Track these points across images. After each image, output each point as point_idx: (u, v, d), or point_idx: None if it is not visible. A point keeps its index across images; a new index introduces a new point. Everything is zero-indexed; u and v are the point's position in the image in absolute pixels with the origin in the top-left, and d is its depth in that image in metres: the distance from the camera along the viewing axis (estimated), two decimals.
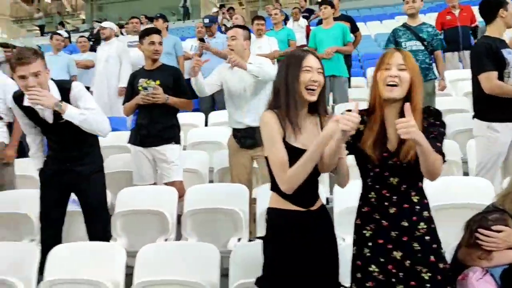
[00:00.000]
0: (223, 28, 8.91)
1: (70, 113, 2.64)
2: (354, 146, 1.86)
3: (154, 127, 3.46)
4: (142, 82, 3.44)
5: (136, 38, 6.47)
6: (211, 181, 4.03)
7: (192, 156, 4.06)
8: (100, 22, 11.80)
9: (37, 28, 20.09)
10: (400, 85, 1.79)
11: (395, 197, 1.83)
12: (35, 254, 2.62)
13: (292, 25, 7.67)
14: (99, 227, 2.97)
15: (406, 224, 1.82)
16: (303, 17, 8.36)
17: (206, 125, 5.43)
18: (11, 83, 3.78)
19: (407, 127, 1.60)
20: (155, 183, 3.58)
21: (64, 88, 2.74)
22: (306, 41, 7.91)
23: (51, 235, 2.89)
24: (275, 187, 1.87)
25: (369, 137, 1.82)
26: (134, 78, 3.59)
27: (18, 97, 2.80)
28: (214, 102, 5.73)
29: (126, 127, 5.58)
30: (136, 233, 3.16)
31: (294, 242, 1.84)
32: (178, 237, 3.22)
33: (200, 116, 5.45)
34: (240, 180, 3.43)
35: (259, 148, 3.24)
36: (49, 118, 2.76)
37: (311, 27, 7.96)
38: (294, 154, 1.79)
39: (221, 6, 12.34)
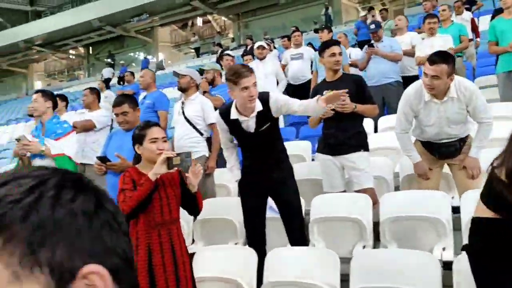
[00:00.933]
0: None
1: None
2: None
3: (341, 135, 3.49)
4: (325, 94, 3.53)
5: (299, 50, 6.79)
6: (396, 187, 3.95)
7: (374, 162, 4.02)
8: (251, 39, 12.52)
9: (193, 50, 22.13)
10: None
11: None
12: (254, 257, 2.85)
13: (455, 19, 7.15)
14: (297, 231, 3.09)
15: None
16: (465, 9, 7.78)
17: (375, 131, 5.35)
18: (208, 101, 4.23)
19: None
20: (344, 191, 3.62)
21: (264, 98, 2.97)
22: (473, 34, 7.34)
23: (256, 240, 3.11)
24: None
25: None
26: (316, 92, 3.61)
27: (224, 113, 3.06)
28: (384, 105, 5.58)
29: (292, 137, 5.83)
30: (333, 239, 3.24)
31: None
32: (374, 244, 3.22)
33: (369, 121, 5.37)
34: (433, 187, 3.30)
35: (456, 158, 3.13)
36: (252, 128, 2.99)
37: (475, 19, 7.37)
38: None
39: (370, 9, 12.07)
